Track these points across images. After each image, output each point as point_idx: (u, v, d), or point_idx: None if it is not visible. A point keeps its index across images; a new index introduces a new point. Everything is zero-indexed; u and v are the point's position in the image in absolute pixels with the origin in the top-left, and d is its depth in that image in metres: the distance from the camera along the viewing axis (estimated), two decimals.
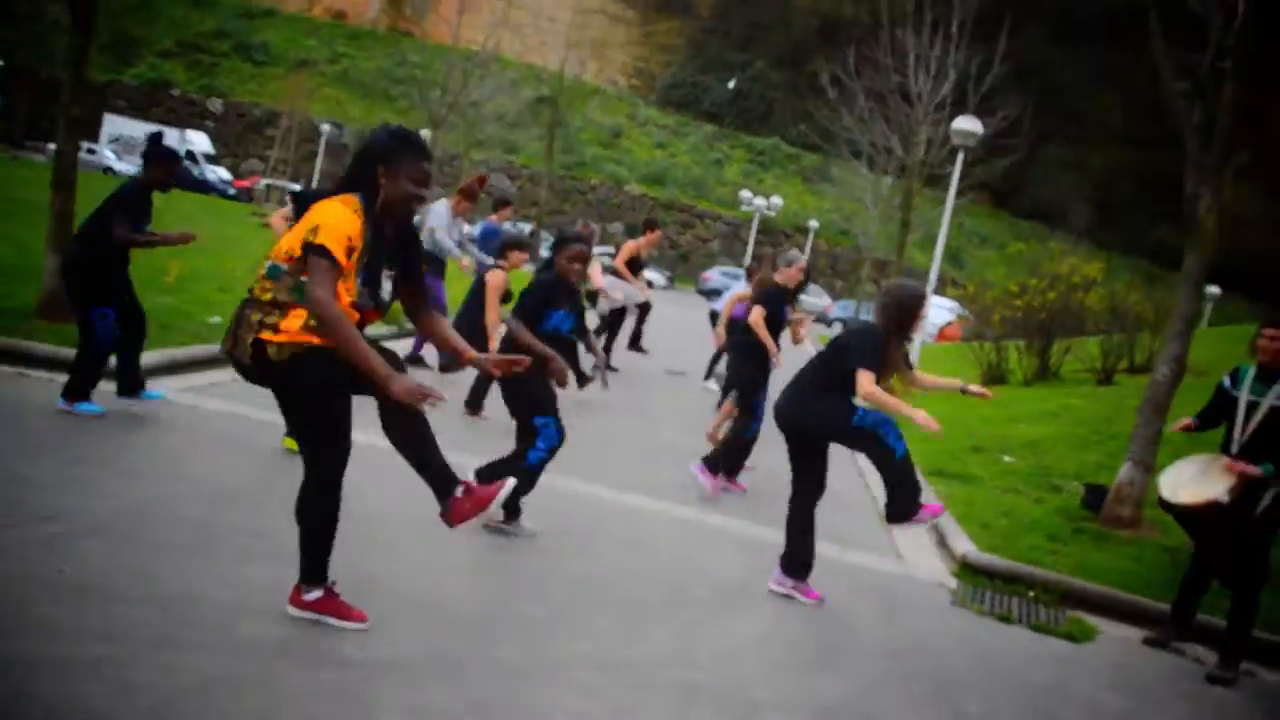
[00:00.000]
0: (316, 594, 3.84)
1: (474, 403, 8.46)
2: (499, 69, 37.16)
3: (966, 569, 6.37)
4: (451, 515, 3.83)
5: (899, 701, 4.26)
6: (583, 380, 6.63)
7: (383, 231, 3.76)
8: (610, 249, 18.52)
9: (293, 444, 5.57)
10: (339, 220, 3.58)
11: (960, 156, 18.50)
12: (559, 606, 4.54)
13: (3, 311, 8.04)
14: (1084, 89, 55.02)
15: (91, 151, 43.43)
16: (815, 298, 44.20)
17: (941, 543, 6.93)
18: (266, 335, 3.59)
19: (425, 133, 37.77)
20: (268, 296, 3.63)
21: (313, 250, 3.52)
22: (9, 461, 4.98)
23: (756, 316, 7.41)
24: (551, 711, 3.56)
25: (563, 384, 5.29)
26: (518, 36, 61.41)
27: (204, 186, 42.15)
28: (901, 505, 5.15)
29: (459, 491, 3.83)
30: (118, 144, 47.79)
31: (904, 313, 5.25)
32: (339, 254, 3.53)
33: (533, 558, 5.14)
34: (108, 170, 43.10)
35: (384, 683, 3.50)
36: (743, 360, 7.67)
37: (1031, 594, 6.10)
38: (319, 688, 3.38)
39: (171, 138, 46.49)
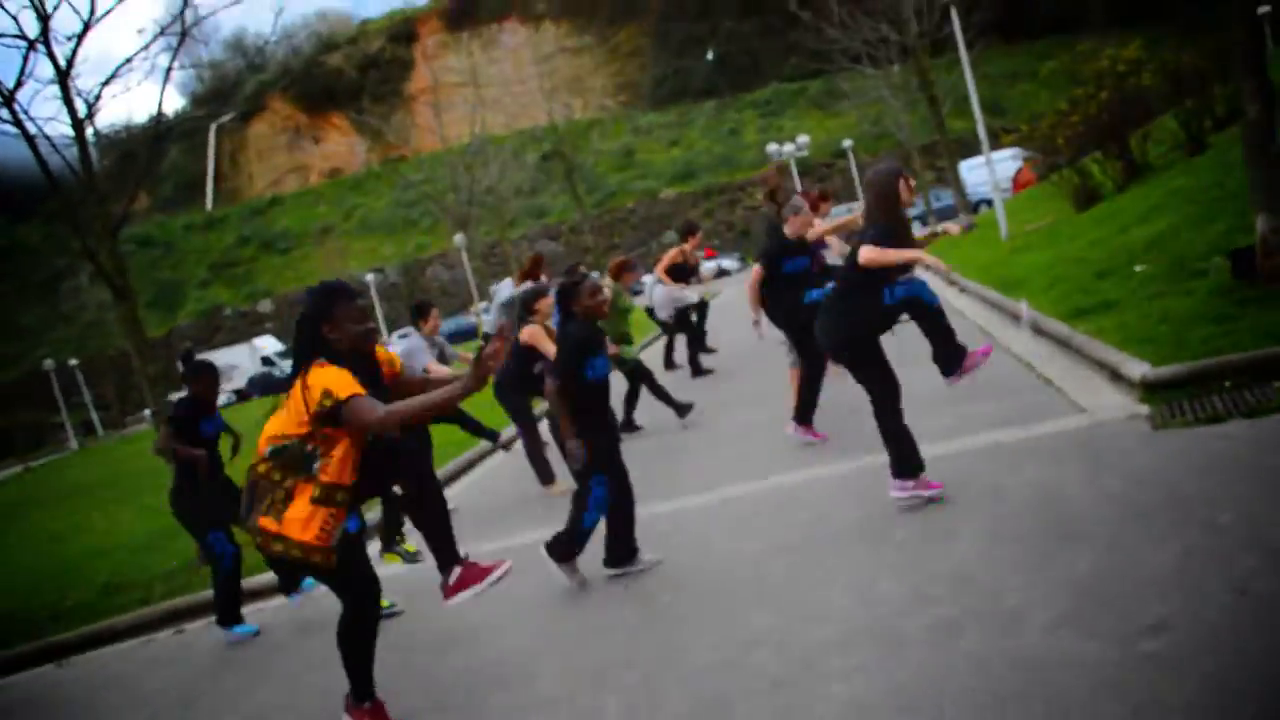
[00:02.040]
0: (366, 705, 4.21)
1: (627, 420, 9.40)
2: (495, 149, 37.64)
3: (1152, 389, 6.10)
4: (449, 589, 4.23)
5: (1149, 543, 4.08)
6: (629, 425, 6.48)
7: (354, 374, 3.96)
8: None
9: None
10: (337, 374, 3.83)
11: (953, 9, 18.07)
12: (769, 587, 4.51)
13: (173, 572, 8.41)
14: None
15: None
16: None
17: (1115, 376, 6.66)
18: (269, 524, 3.86)
19: (459, 237, 38.52)
20: (276, 476, 3.88)
21: (343, 404, 3.77)
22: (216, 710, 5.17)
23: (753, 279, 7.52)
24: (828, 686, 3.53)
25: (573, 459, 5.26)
26: (499, 111, 62.29)
27: (289, 384, 43.30)
28: (950, 360, 5.36)
29: (457, 569, 4.22)
30: None
31: (886, 195, 5.22)
32: (360, 391, 3.79)
33: (701, 606, 5.12)
34: None
35: None
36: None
37: (1228, 384, 5.81)
38: None
39: (242, 353, 48.41)
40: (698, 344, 12.50)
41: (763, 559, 5.18)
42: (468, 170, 34.59)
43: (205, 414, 6.56)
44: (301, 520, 3.84)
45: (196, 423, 6.50)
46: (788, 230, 7.29)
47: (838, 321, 5.36)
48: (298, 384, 3.90)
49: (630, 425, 9.57)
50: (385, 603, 5.85)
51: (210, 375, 6.62)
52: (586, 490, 5.28)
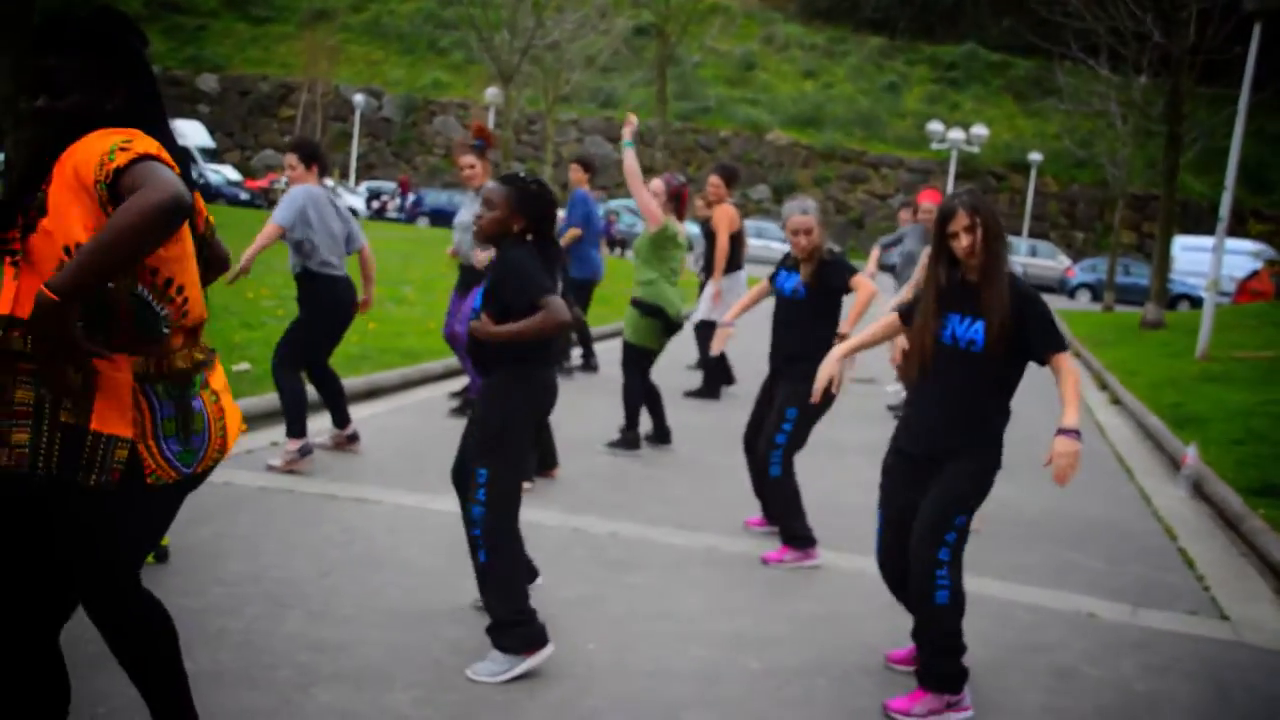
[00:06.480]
0: None
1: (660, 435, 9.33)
2: None
3: None
4: None
5: None
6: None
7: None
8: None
9: None
10: None
11: (1256, 30, 17.62)
12: None
13: None
14: None
15: None
16: (1047, 258, 43.35)
17: None
18: None
19: (493, 92, 38.41)
20: None
21: None
22: None
23: None
24: None
25: None
26: None
27: (206, 192, 43.04)
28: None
29: None
30: None
31: None
32: None
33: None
34: None
35: None
36: None
37: None
38: None
39: None
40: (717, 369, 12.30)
41: (725, 648, 5.14)
42: (536, 9, 34.37)
43: None
44: None
45: None
46: None
47: None
48: None
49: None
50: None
51: None
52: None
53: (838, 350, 5.12)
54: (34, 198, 3.11)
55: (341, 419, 8.16)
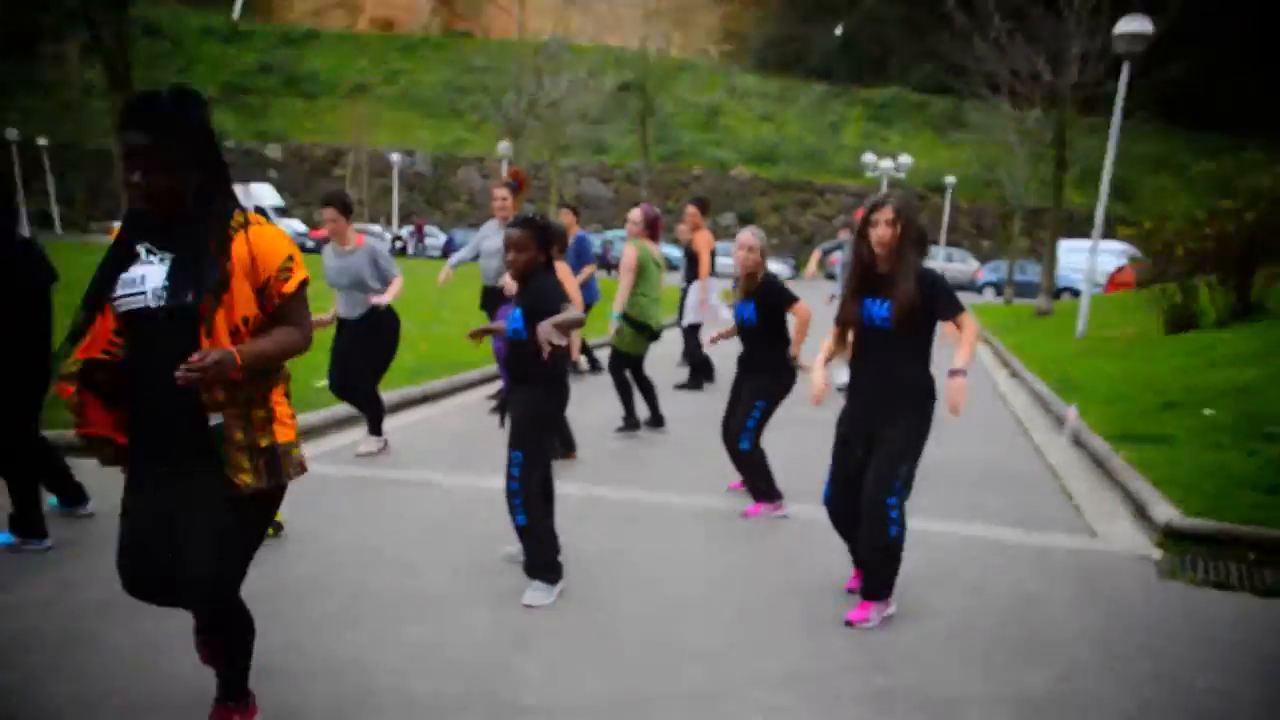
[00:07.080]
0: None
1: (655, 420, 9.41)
2: (573, 58, 37.70)
3: (1172, 537, 6.42)
4: None
5: (1112, 685, 4.42)
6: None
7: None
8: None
9: None
10: None
11: (1125, 68, 17.81)
12: (731, 633, 4.89)
13: None
14: None
15: None
16: (960, 263, 43.69)
17: (1140, 513, 6.98)
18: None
19: (504, 145, 38.67)
20: None
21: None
22: None
23: None
24: None
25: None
26: (588, 17, 62.17)
27: None
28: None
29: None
30: None
31: None
32: None
33: (693, 587, 5.49)
34: None
35: None
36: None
37: (1253, 556, 6.14)
38: None
39: (236, 193, 48.81)
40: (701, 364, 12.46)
41: (719, 580, 5.55)
42: (536, 73, 34.62)
43: None
44: None
45: None
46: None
47: None
48: None
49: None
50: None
51: None
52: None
53: (819, 361, 5.27)
54: (217, 275, 3.15)
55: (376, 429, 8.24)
